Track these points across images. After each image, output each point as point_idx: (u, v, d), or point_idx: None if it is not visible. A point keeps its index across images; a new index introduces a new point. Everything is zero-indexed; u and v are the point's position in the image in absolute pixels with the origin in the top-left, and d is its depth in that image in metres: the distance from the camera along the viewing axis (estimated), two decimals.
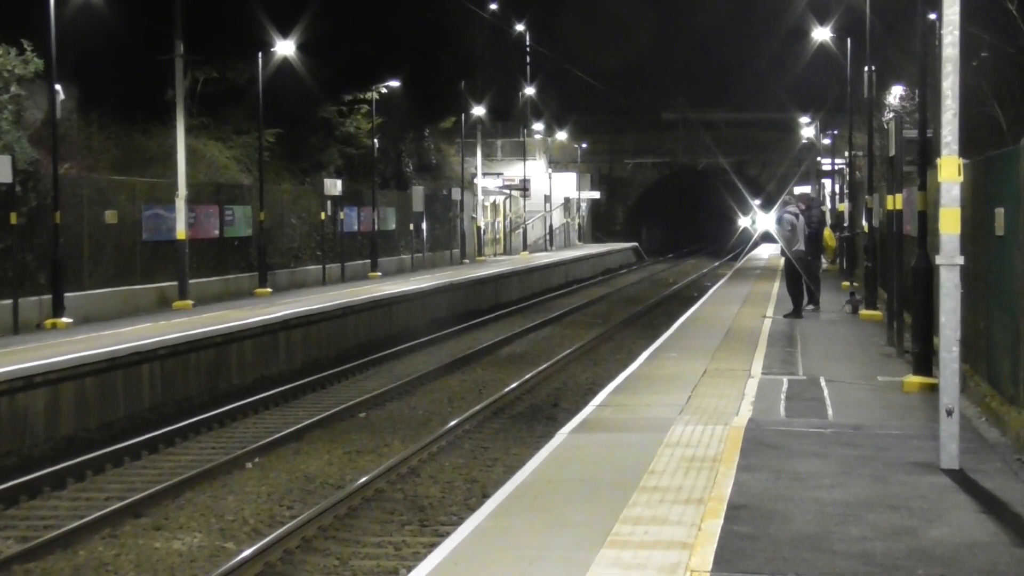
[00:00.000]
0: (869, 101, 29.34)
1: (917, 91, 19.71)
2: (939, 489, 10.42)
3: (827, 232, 26.25)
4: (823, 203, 35.60)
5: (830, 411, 14.50)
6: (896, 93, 43.44)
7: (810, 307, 26.62)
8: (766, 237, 78.05)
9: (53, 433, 18.99)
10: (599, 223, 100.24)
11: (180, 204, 31.57)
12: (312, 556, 12.77)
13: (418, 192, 52.62)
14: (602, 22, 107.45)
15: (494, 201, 73.48)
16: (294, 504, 15.05)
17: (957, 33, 11.02)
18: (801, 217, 25.86)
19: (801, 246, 25.75)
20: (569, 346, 30.38)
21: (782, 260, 27.68)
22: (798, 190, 77.89)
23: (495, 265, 54.05)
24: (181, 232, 31.48)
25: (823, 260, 30.23)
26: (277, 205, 39.97)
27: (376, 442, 18.91)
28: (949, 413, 10.90)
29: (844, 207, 38.81)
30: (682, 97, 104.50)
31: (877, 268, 26.32)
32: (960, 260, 11.09)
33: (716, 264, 71.77)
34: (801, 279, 26.04)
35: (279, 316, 27.18)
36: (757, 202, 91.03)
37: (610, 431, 13.42)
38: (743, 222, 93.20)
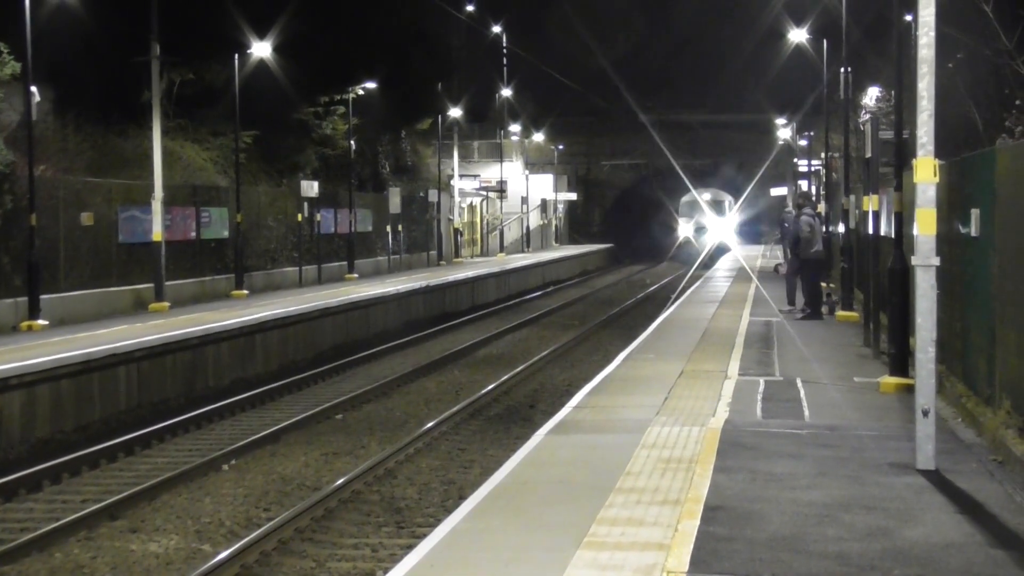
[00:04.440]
0: (845, 102, 29.38)
1: (893, 92, 19.76)
2: (915, 490, 10.44)
3: None
4: (817, 205, 35.20)
5: (807, 412, 14.52)
6: (872, 94, 43.55)
7: (793, 308, 26.63)
8: (723, 250, 66.77)
9: (29, 435, 18.90)
10: (576, 225, 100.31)
11: (156, 206, 31.46)
12: (289, 558, 12.75)
13: (395, 194, 52.57)
14: (579, 24, 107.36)
15: (471, 203, 73.47)
16: (271, 506, 15.03)
17: (933, 34, 11.06)
18: (818, 219, 25.99)
19: (820, 247, 25.87)
20: (546, 348, 30.40)
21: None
22: (774, 192, 77.80)
23: (472, 267, 54.02)
24: (157, 234, 31.36)
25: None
26: (254, 207, 39.86)
27: (353, 444, 18.89)
28: (925, 414, 10.93)
29: (821, 208, 38.81)
30: (659, 99, 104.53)
31: (853, 269, 26.39)
32: (936, 261, 11.12)
33: (693, 266, 71.60)
34: (817, 278, 26.06)
35: (256, 318, 27.11)
36: (706, 197, 74.70)
37: (587, 432, 13.42)
38: (684, 230, 73.16)
